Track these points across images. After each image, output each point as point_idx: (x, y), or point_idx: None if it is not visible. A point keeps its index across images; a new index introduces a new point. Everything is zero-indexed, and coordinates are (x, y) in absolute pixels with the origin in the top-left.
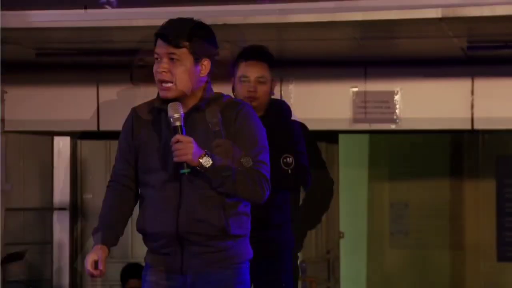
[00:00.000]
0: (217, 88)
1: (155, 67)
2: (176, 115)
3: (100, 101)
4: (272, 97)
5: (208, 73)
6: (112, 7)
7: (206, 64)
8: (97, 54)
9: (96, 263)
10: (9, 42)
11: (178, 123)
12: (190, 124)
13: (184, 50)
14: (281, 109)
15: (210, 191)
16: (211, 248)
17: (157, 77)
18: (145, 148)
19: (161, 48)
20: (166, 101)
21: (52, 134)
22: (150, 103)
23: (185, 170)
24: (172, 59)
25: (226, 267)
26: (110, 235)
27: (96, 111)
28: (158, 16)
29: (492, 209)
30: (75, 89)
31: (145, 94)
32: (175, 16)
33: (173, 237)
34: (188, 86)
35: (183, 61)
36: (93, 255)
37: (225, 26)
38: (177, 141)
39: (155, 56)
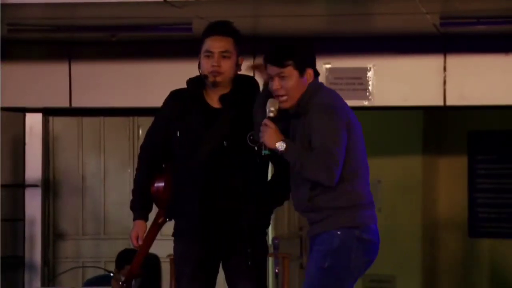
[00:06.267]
0: None
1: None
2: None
3: (72, 77)
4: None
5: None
6: None
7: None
8: (69, 31)
9: None
10: None
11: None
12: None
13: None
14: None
15: None
16: None
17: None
18: None
19: (271, 70)
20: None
21: (24, 110)
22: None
23: (266, 152)
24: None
25: None
26: None
27: (68, 87)
28: None
29: (464, 185)
30: (47, 65)
31: (118, 69)
32: None
33: None
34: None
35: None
36: None
37: (198, 2)
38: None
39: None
